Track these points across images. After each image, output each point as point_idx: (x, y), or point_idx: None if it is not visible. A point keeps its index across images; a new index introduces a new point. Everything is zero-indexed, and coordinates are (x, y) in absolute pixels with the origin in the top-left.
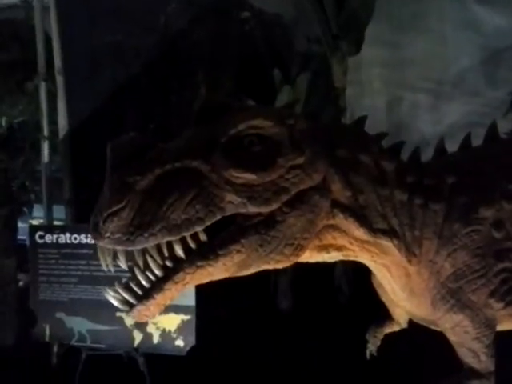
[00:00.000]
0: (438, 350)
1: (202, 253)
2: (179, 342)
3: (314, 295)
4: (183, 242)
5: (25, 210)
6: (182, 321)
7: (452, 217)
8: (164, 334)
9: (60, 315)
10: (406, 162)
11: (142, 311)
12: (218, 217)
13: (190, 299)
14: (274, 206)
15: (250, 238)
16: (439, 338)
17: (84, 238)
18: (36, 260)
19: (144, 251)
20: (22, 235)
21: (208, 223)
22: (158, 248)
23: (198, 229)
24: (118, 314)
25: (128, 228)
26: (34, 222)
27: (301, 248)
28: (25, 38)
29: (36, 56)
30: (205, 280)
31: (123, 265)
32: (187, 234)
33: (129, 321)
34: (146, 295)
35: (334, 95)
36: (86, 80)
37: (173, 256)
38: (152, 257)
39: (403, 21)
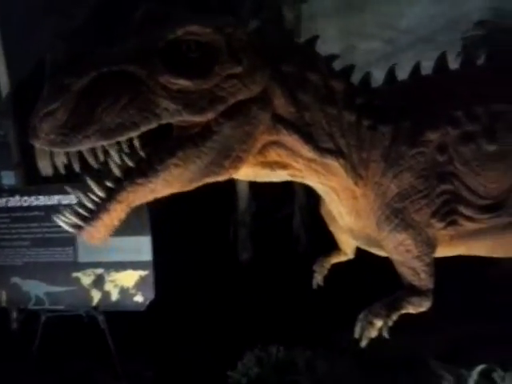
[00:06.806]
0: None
1: (141, 170)
2: (138, 298)
3: (273, 246)
4: (122, 161)
5: None
6: (140, 276)
7: (399, 139)
8: (122, 290)
9: (15, 280)
10: (355, 85)
11: (92, 232)
12: (154, 124)
13: (146, 254)
14: (210, 116)
15: (188, 151)
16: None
17: (34, 200)
18: None
19: (81, 156)
20: None
21: (143, 129)
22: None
23: (133, 134)
24: (74, 274)
25: (62, 129)
26: None
27: (239, 160)
28: None
29: None
30: (150, 197)
31: (59, 167)
32: (121, 139)
33: (85, 280)
34: (93, 217)
35: None
36: (25, 32)
37: (113, 176)
38: (93, 178)
39: None
